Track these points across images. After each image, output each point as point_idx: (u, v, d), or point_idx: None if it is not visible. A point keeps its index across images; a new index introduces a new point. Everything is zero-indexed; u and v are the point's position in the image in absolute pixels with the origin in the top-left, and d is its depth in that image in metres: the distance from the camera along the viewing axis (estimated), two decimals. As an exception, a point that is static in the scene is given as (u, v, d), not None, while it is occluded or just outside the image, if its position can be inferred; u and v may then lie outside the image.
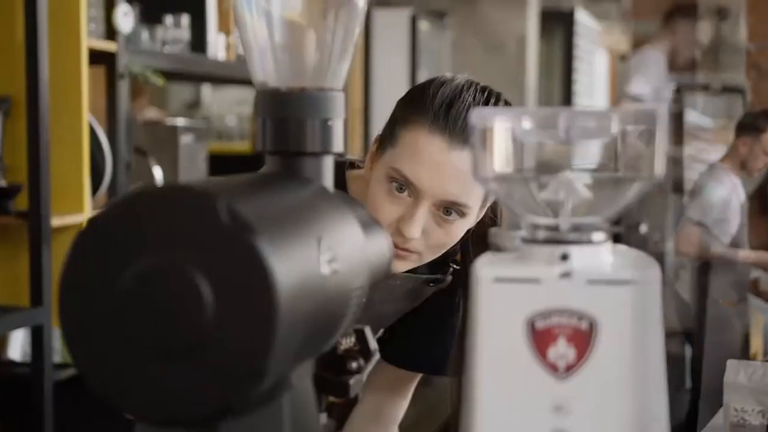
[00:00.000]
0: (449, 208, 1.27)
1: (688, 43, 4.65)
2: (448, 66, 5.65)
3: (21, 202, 2.40)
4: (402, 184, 1.27)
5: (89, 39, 2.55)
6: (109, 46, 2.67)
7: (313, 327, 0.67)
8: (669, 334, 4.46)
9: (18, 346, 2.72)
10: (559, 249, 0.68)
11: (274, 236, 0.62)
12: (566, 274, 0.67)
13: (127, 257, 0.62)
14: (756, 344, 6.50)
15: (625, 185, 0.70)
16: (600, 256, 0.69)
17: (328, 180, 0.80)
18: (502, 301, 0.68)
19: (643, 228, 4.15)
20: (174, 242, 0.61)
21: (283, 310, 0.61)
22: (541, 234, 0.70)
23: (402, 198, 1.27)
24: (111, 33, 2.67)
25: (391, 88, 5.14)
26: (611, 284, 0.67)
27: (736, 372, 2.05)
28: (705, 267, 4.46)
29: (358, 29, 0.83)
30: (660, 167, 0.68)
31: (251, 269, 0.60)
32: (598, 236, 0.70)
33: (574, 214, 0.71)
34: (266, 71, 0.80)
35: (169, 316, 0.61)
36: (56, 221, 2.41)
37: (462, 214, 1.28)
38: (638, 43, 9.85)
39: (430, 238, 1.29)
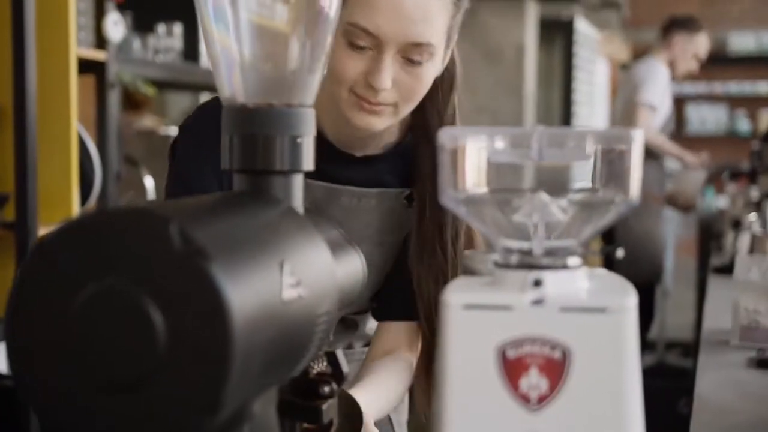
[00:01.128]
0: (413, 57, 1.24)
1: (685, 56, 4.61)
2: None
3: (8, 213, 2.38)
4: (361, 40, 1.23)
5: (78, 48, 2.52)
6: (98, 55, 2.64)
7: (275, 355, 0.64)
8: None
9: (3, 358, 2.69)
10: (532, 274, 0.66)
11: (231, 261, 0.60)
12: (539, 301, 0.64)
13: (77, 282, 0.59)
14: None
15: (601, 207, 0.67)
16: (575, 281, 0.66)
17: (298, 199, 0.77)
18: (472, 328, 0.65)
19: (620, 253, 4.13)
20: (125, 267, 0.58)
21: (238, 338, 0.58)
22: (514, 258, 0.67)
23: (363, 53, 1.25)
24: (101, 42, 2.65)
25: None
26: (585, 312, 0.64)
27: (746, 268, 1.89)
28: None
29: (329, 40, 0.80)
30: (636, 190, 0.65)
31: (204, 296, 0.57)
32: (574, 261, 0.67)
33: (550, 236, 0.68)
34: (233, 86, 0.77)
35: (119, 345, 0.58)
36: (43, 231, 2.38)
37: (429, 55, 1.25)
38: (638, 51, 9.85)
39: (401, 87, 1.26)
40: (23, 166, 2.33)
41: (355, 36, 1.23)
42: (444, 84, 1.39)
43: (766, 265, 1.99)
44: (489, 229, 0.69)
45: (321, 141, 1.36)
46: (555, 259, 0.67)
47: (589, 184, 0.67)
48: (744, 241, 2.91)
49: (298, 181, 0.77)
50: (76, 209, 2.47)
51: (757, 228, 3.00)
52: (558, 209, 0.67)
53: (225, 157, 0.77)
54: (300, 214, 0.75)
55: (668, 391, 4.05)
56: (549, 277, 0.65)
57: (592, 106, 8.29)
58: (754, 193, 4.09)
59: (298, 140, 0.76)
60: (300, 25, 0.78)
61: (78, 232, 0.59)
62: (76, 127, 2.47)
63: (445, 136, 0.67)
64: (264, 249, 0.65)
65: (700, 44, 4.66)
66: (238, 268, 0.60)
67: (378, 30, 1.22)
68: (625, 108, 4.60)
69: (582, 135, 0.66)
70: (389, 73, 1.24)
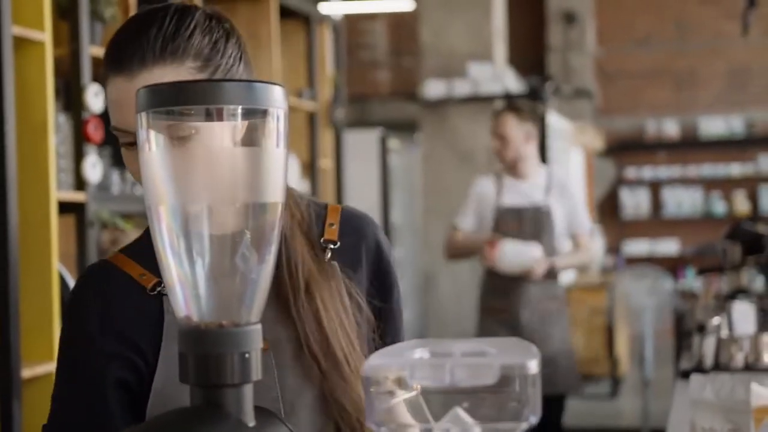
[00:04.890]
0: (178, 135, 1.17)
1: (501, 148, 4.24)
2: (419, 176, 5.77)
3: (-9, 354, 2.45)
4: (124, 138, 1.21)
5: (59, 191, 2.63)
6: (78, 196, 2.75)
7: None
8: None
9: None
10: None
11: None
12: None
13: None
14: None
15: (507, 426, 0.76)
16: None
17: (248, 406, 0.86)
18: None
19: None
20: None
21: None
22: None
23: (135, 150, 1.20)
24: (80, 183, 2.76)
25: (364, 206, 5.28)
26: None
27: (701, 387, 1.95)
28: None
29: (272, 263, 0.89)
30: (536, 411, 0.75)
31: None
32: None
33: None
34: (188, 308, 0.87)
35: None
36: (26, 372, 2.45)
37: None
38: (612, 139, 10.07)
39: None
40: (5, 308, 2.42)
41: (121, 137, 1.23)
42: None
43: (720, 383, 2.07)
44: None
45: None
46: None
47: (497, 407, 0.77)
48: (709, 345, 2.98)
49: (248, 391, 0.87)
50: (56, 347, 2.54)
51: (723, 332, 3.05)
52: (475, 425, 0.77)
53: (182, 371, 0.86)
54: (248, 426, 0.84)
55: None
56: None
57: (569, 195, 8.42)
58: (724, 286, 4.16)
59: (246, 355, 0.86)
60: (243, 252, 0.88)
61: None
62: (56, 267, 2.57)
63: (368, 366, 0.77)
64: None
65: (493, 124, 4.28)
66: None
67: (123, 124, 1.20)
68: None
69: (488, 365, 0.75)
70: None
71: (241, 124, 0.88)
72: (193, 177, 0.87)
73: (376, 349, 1.30)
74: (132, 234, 2.96)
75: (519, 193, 4.16)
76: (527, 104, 4.24)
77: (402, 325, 1.40)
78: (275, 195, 0.87)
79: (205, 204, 0.86)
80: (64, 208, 2.70)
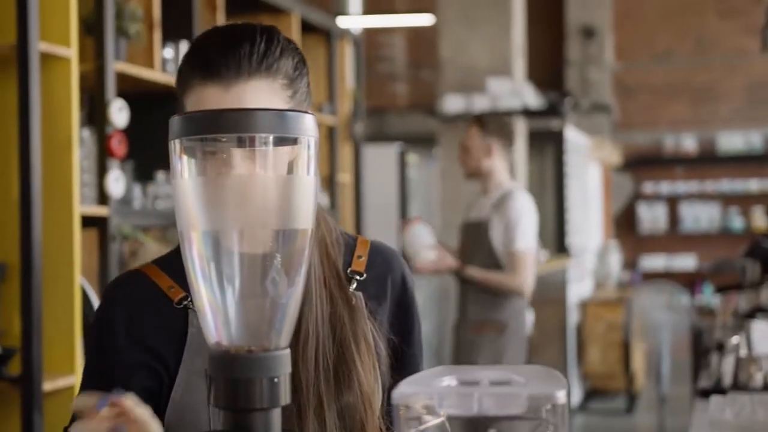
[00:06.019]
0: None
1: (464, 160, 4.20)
2: (437, 192, 5.77)
3: (14, 367, 2.47)
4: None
5: (82, 205, 2.66)
6: (100, 210, 2.77)
7: None
8: None
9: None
10: None
11: None
12: None
13: None
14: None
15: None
16: None
17: (276, 430, 0.88)
18: None
19: None
20: None
21: None
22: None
23: None
24: (103, 198, 2.78)
25: (382, 221, 5.29)
26: None
27: (721, 408, 1.96)
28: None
29: (301, 287, 0.91)
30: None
31: None
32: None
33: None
34: (219, 333, 0.89)
35: None
36: (48, 385, 2.47)
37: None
38: (629, 154, 10.05)
39: None
40: (29, 322, 2.44)
41: None
42: None
43: (740, 404, 2.07)
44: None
45: None
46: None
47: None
48: (728, 364, 2.97)
49: (276, 415, 0.88)
50: (79, 362, 2.57)
51: (742, 351, 3.03)
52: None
53: (211, 394, 0.88)
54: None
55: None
56: None
57: (586, 210, 8.43)
58: (743, 304, 4.13)
59: (275, 380, 0.87)
60: (272, 281, 0.89)
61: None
62: (79, 282, 2.59)
63: (398, 394, 0.78)
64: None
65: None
66: None
67: None
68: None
69: (517, 394, 0.76)
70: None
71: (272, 152, 0.89)
72: (224, 204, 0.88)
73: (394, 381, 1.30)
74: (151, 247, 2.99)
75: (476, 209, 4.21)
76: (499, 120, 4.25)
77: (421, 360, 1.39)
78: (305, 222, 0.89)
79: (236, 230, 0.88)
80: (87, 222, 2.73)
